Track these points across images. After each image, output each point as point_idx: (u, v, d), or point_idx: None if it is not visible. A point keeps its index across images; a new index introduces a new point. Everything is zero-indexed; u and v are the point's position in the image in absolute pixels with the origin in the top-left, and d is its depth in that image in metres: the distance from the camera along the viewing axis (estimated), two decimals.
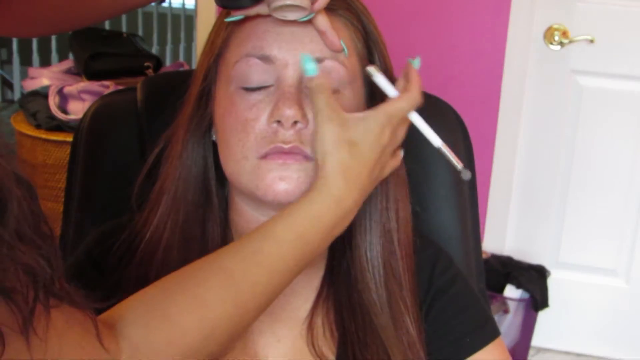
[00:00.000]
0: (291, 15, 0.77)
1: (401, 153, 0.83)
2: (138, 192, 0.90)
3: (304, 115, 0.78)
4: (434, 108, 1.06)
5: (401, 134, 0.80)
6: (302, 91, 0.79)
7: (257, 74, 0.80)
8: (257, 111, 0.79)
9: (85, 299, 0.56)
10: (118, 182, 0.98)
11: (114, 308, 0.67)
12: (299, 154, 0.78)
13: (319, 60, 0.79)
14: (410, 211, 0.89)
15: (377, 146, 0.76)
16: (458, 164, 0.79)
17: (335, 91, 0.80)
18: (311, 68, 0.76)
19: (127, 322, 0.64)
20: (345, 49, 0.80)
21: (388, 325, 0.84)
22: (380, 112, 0.76)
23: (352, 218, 0.76)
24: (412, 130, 1.01)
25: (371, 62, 0.85)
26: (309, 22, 0.79)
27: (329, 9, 0.80)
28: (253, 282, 0.69)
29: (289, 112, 0.76)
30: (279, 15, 0.77)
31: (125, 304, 0.67)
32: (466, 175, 0.79)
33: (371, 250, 0.86)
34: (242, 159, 0.79)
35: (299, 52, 0.79)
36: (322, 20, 0.78)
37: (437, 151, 0.80)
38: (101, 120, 1.03)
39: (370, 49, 0.85)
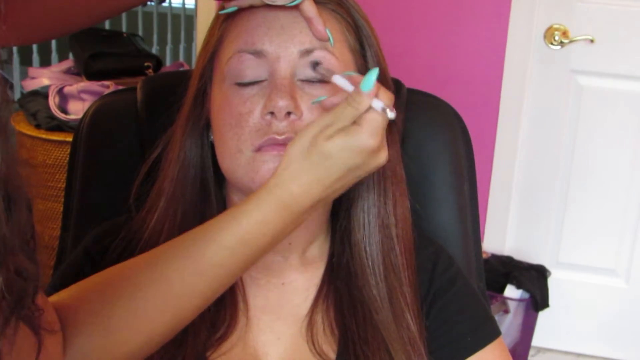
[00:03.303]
0: (280, 0, 0.77)
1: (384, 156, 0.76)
2: (137, 192, 0.90)
3: (297, 107, 0.78)
4: (434, 108, 1.06)
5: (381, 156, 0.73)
6: (295, 84, 0.79)
7: (249, 69, 0.80)
8: (250, 105, 0.79)
9: (42, 325, 0.56)
10: (118, 182, 0.97)
11: (61, 295, 0.69)
12: None
13: (309, 51, 0.79)
14: (409, 208, 0.89)
15: (349, 169, 0.71)
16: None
17: (329, 82, 0.80)
18: (368, 84, 0.71)
19: (73, 325, 0.66)
20: (331, 38, 0.80)
21: (389, 321, 0.84)
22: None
23: (304, 220, 0.73)
24: (413, 130, 1.01)
25: (364, 56, 0.85)
26: (299, 13, 0.79)
27: (319, 3, 0.81)
28: (192, 290, 0.69)
29: (282, 103, 0.76)
30: (268, 0, 0.77)
31: (73, 305, 0.68)
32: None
33: (370, 245, 0.86)
34: (237, 152, 0.79)
35: (289, 44, 0.79)
36: (309, 7, 0.78)
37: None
38: (101, 120, 1.03)
39: (363, 43, 0.85)
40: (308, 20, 0.79)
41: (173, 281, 0.68)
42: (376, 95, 0.71)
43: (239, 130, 0.79)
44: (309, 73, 0.80)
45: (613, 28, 2.30)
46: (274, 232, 0.70)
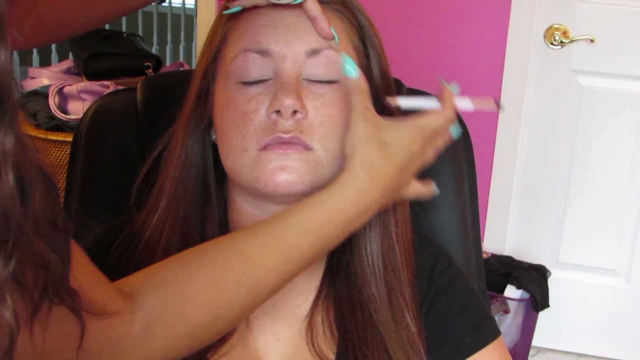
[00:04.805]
0: None
1: (434, 187, 0.84)
2: (137, 192, 0.90)
3: (303, 105, 0.78)
4: None
5: (430, 152, 0.80)
6: (301, 83, 0.79)
7: (255, 67, 0.80)
8: (255, 103, 0.79)
9: (82, 305, 0.56)
10: (118, 182, 0.97)
11: (134, 276, 0.70)
12: (299, 143, 0.77)
13: (317, 51, 0.80)
14: (409, 209, 0.89)
15: (406, 151, 0.76)
16: (489, 104, 0.83)
17: (334, 82, 0.80)
18: (352, 69, 0.77)
19: (145, 292, 0.67)
20: (336, 37, 0.81)
21: (388, 321, 0.84)
22: (413, 121, 0.78)
23: (372, 214, 0.76)
24: None
25: (367, 56, 0.85)
26: (303, 12, 0.79)
27: (322, 2, 0.81)
28: (269, 268, 0.70)
29: (288, 102, 0.76)
30: None
31: (145, 274, 0.70)
32: (501, 107, 0.84)
33: (370, 244, 0.86)
34: (242, 151, 0.79)
35: (295, 44, 0.79)
36: (313, 6, 0.79)
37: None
38: (101, 120, 1.03)
39: (365, 43, 0.85)
40: (312, 19, 0.79)
41: (251, 255, 0.70)
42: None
43: (244, 128, 0.79)
44: (316, 72, 0.80)
45: (613, 28, 2.30)
46: (348, 222, 0.73)
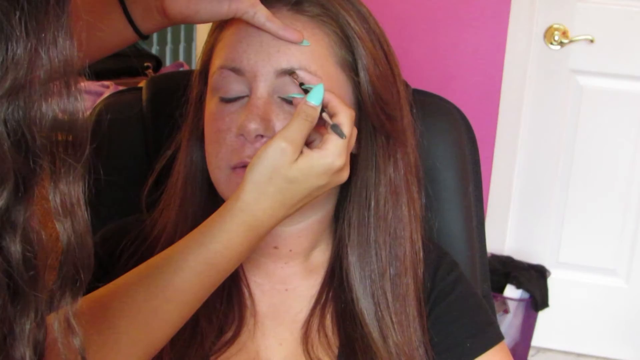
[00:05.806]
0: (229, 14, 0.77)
1: (346, 173, 0.77)
2: (144, 192, 0.90)
3: (270, 128, 0.77)
4: (439, 107, 1.06)
5: (337, 179, 0.76)
6: (274, 102, 0.78)
7: (231, 84, 0.80)
8: (229, 122, 0.79)
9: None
10: (122, 182, 0.97)
11: None
12: None
13: (286, 72, 0.78)
14: (420, 219, 0.88)
15: (309, 188, 0.73)
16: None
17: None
18: (315, 98, 0.74)
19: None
20: (305, 41, 0.78)
21: (375, 335, 0.84)
22: (326, 160, 0.73)
23: (265, 236, 0.74)
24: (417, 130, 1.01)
25: (356, 69, 0.81)
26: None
27: (304, 13, 0.79)
28: (163, 319, 0.69)
29: (251, 127, 0.76)
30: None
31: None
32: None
33: (370, 262, 0.85)
34: (216, 169, 0.80)
35: (266, 63, 0.78)
36: (259, 16, 0.76)
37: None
38: (106, 120, 1.03)
39: (354, 54, 0.82)
40: (267, 31, 0.77)
41: (143, 311, 0.68)
42: (335, 113, 0.74)
43: (217, 147, 0.80)
44: (289, 90, 0.78)
45: (613, 28, 2.30)
46: (240, 254, 0.71)
